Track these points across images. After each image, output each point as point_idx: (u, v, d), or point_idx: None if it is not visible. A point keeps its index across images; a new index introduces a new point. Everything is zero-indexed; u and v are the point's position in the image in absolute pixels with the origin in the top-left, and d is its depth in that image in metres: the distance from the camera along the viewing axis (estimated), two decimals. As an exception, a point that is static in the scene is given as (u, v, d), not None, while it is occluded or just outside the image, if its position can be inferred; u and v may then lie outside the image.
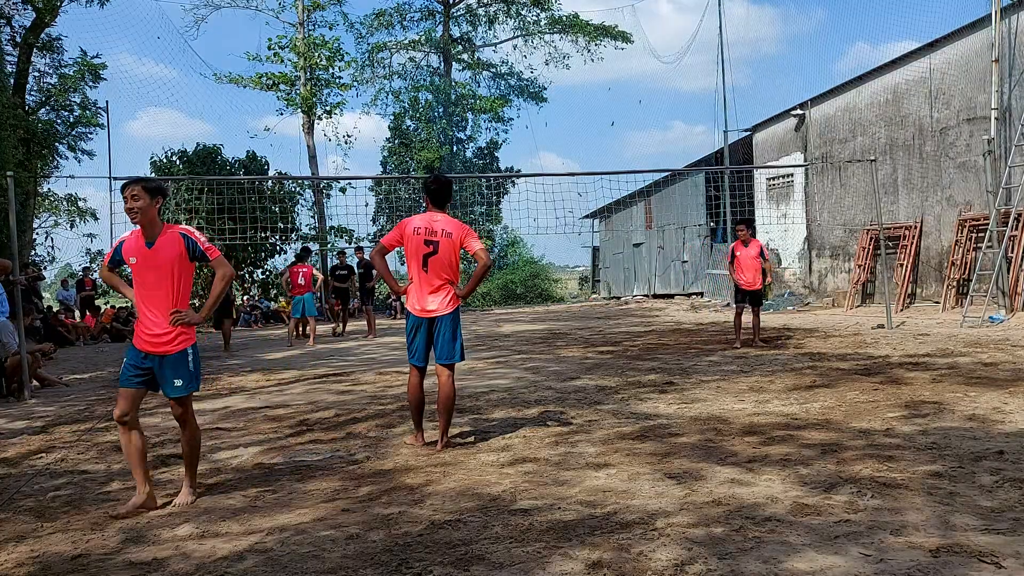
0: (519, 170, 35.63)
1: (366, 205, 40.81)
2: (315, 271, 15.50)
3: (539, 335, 14.91)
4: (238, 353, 14.16)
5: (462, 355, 5.46)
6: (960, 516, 3.45)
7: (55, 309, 21.84)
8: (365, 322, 17.15)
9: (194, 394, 4.44)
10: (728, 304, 21.46)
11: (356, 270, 17.32)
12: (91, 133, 25.26)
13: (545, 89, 36.40)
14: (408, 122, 34.06)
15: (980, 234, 14.55)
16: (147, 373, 4.28)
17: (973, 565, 2.92)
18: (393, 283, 5.64)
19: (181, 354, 4.28)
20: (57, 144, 23.82)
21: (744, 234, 11.12)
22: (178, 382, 4.28)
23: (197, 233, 4.35)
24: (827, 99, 19.51)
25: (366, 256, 17.14)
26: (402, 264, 15.63)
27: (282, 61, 29.81)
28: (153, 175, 25.60)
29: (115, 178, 11.51)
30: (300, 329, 15.81)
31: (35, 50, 22.64)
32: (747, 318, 11.15)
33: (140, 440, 4.27)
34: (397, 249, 5.63)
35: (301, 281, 15.06)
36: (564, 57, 35.53)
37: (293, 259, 16.01)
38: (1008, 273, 13.59)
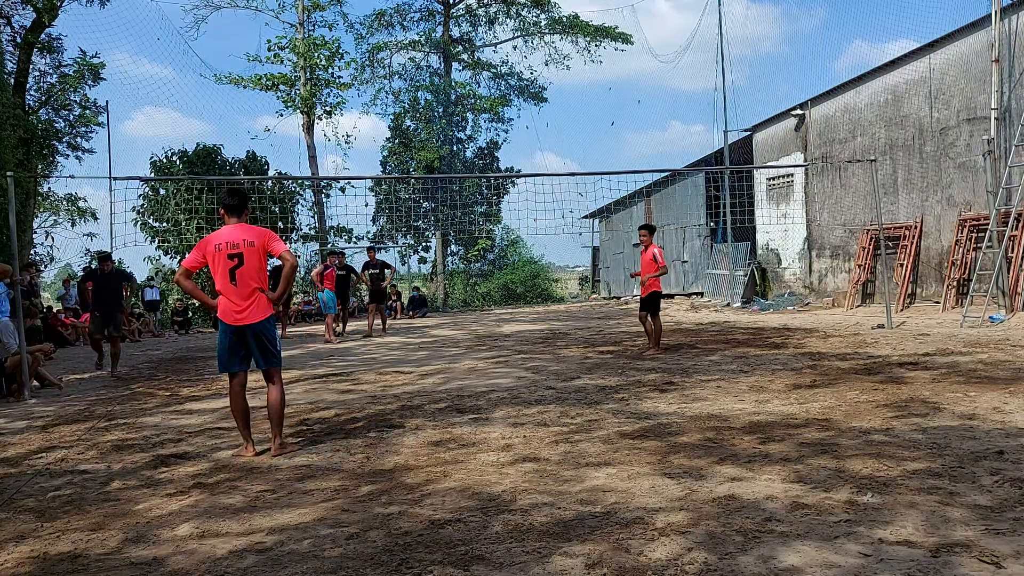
0: (519, 170, 35.59)
1: (366, 205, 40.85)
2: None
3: (539, 335, 14.91)
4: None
5: (280, 359, 5.62)
6: (960, 516, 3.45)
7: (55, 309, 21.83)
8: (366, 322, 17.25)
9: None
10: (728, 304, 21.48)
11: (355, 271, 17.38)
12: (91, 132, 25.24)
13: (545, 89, 36.36)
14: (408, 122, 34.03)
15: (980, 234, 14.55)
16: None
17: (973, 565, 2.92)
18: (206, 299, 5.73)
19: None
20: (57, 144, 23.77)
21: (643, 239, 11.15)
22: None
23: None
24: (827, 99, 19.49)
25: (378, 256, 17.42)
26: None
27: (282, 62, 29.83)
28: (153, 175, 25.60)
29: (115, 178, 11.61)
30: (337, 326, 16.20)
31: (35, 50, 22.61)
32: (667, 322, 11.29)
33: None
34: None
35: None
36: (564, 57, 35.49)
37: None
38: (1008, 273, 13.59)
